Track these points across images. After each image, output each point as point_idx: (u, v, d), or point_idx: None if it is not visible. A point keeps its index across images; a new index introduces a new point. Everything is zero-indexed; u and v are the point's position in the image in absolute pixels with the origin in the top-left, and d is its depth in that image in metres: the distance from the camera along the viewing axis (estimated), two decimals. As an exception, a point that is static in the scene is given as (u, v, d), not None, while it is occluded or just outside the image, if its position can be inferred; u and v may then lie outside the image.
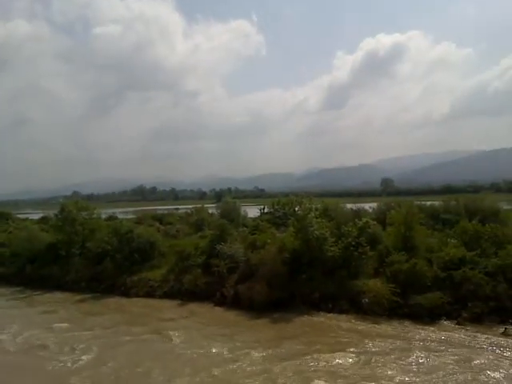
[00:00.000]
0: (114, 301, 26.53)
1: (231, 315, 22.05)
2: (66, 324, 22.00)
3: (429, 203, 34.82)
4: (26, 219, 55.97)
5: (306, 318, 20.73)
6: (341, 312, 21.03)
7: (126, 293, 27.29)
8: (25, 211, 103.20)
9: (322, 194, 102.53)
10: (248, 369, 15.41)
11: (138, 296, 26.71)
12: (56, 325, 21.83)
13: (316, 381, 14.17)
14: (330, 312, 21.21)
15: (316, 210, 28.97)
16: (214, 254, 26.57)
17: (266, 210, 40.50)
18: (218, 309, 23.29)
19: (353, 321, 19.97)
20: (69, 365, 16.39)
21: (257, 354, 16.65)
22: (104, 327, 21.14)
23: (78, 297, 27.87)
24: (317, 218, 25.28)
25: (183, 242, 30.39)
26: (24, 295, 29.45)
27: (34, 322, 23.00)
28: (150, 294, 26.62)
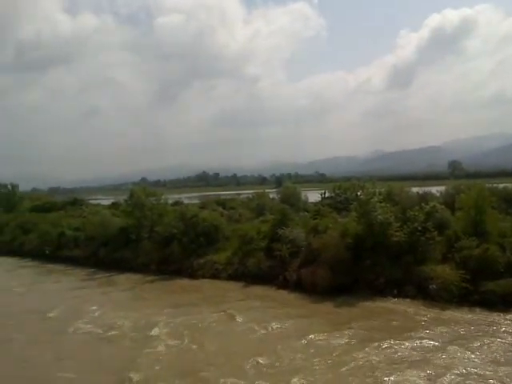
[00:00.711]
0: (182, 282, 27.75)
1: (295, 298, 22.34)
2: (143, 304, 23.31)
3: (501, 186, 32.81)
4: (99, 205, 59.37)
5: (371, 303, 20.52)
6: (407, 297, 20.61)
7: (193, 275, 28.45)
8: (97, 197, 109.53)
9: (386, 178, 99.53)
10: (320, 351, 15.55)
11: (204, 278, 27.78)
12: (131, 304, 23.29)
13: (407, 370, 13.66)
14: (395, 297, 20.87)
15: (379, 194, 28.38)
16: (275, 238, 26.86)
17: (327, 195, 40.14)
18: (281, 292, 23.66)
19: (421, 307, 19.49)
20: (160, 349, 16.84)
21: (325, 336, 16.80)
22: (177, 307, 22.04)
23: (149, 278, 29.41)
24: (380, 202, 24.77)
25: (246, 227, 31.00)
26: (98, 276, 31.51)
27: (109, 300, 24.60)
28: (215, 276, 27.59)
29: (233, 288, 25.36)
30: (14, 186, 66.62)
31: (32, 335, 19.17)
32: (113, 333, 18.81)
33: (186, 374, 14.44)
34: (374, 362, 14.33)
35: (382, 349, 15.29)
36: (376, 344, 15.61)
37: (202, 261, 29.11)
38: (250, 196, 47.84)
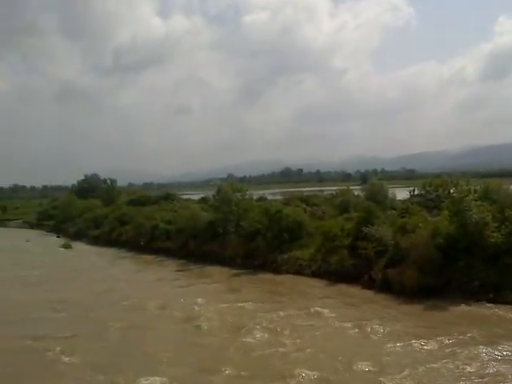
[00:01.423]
0: (267, 277, 28.24)
1: (381, 299, 21.72)
2: (232, 297, 24.03)
3: None
4: (188, 199, 62.26)
5: (464, 308, 19.38)
6: (505, 303, 19.18)
7: (277, 270, 28.87)
8: (186, 192, 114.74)
9: (480, 175, 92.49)
10: (421, 356, 14.93)
11: (288, 273, 28.07)
12: (222, 296, 24.27)
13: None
14: (491, 302, 19.51)
15: (475, 191, 26.61)
16: (360, 236, 26.30)
17: (416, 192, 38.41)
18: (366, 291, 23.18)
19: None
20: (252, 343, 16.87)
21: (415, 339, 16.18)
22: (265, 301, 22.47)
23: (235, 271, 30.37)
24: (476, 200, 23.23)
25: (329, 223, 30.77)
26: (189, 267, 33.14)
27: (201, 291, 25.78)
28: (299, 272, 27.73)
29: (317, 285, 25.33)
30: (113, 181, 72.33)
31: (134, 321, 20.66)
32: (205, 323, 19.40)
33: (287, 375, 13.96)
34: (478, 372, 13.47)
35: (481, 357, 14.40)
36: (475, 352, 14.70)
37: (285, 256, 29.45)
38: (334, 193, 47.35)
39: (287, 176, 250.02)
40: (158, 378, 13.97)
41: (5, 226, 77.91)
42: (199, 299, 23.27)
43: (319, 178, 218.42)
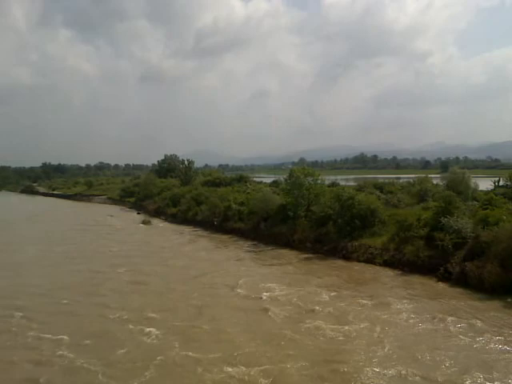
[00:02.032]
0: (336, 263, 27.96)
1: (457, 293, 20.65)
2: (302, 280, 24.15)
3: None
4: (261, 182, 63.04)
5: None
6: None
7: (347, 257, 28.53)
8: (259, 175, 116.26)
9: None
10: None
11: (358, 261, 27.59)
12: (291, 279, 24.49)
13: None
14: None
15: None
16: (437, 227, 25.19)
17: (501, 183, 35.87)
18: (441, 284, 22.20)
19: None
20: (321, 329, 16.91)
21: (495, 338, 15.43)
22: (334, 288, 22.19)
23: (304, 255, 30.46)
24: None
25: (404, 212, 29.78)
26: (260, 249, 33.71)
27: (271, 273, 26.28)
28: (369, 261, 27.20)
29: (388, 274, 24.70)
30: (190, 162, 74.79)
31: (208, 297, 21.67)
32: (273, 305, 19.67)
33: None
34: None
35: None
36: None
37: (356, 243, 28.98)
38: (411, 180, 45.59)
39: (361, 162, 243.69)
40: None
41: (90, 201, 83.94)
42: (269, 281, 23.78)
43: (395, 164, 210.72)
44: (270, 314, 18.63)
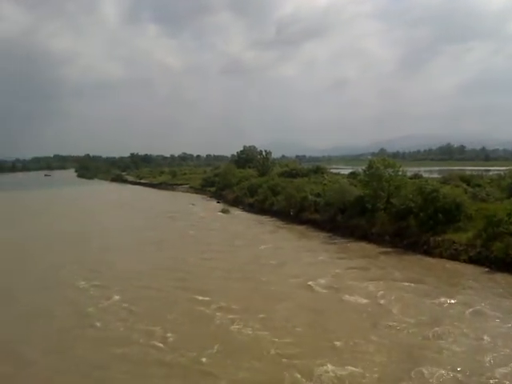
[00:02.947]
0: (416, 258, 27.02)
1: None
2: (379, 275, 23.77)
3: None
4: (338, 173, 62.24)
5: None
6: None
7: (429, 252, 27.39)
8: (336, 166, 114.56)
9: None
10: None
11: (440, 257, 26.39)
12: (367, 274, 24.23)
13: None
14: None
15: None
16: (532, 223, 23.38)
17: None
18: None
19: None
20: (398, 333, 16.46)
21: None
22: (413, 284, 21.48)
23: (383, 249, 29.71)
24: None
25: (494, 207, 27.93)
26: (336, 241, 33.46)
27: (347, 266, 26.00)
28: (453, 257, 25.90)
29: (474, 272, 23.39)
30: (268, 153, 75.66)
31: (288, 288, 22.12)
32: (346, 299, 19.60)
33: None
34: None
35: None
36: None
37: (439, 239, 27.66)
38: (502, 173, 42.52)
39: (447, 153, 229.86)
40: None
41: (173, 190, 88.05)
42: (344, 273, 23.69)
43: (484, 156, 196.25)
44: (343, 304, 18.58)
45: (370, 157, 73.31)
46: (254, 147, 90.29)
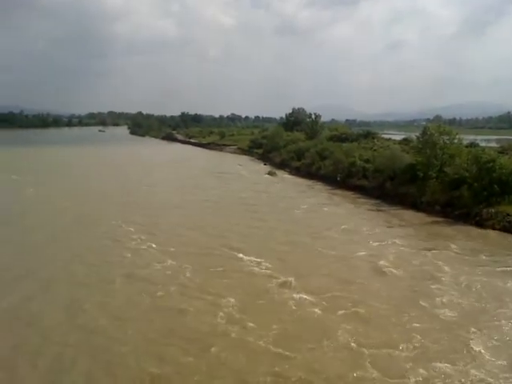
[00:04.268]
0: (466, 229, 26.26)
1: None
2: (429, 244, 23.23)
3: None
4: (389, 139, 60.36)
5: None
6: None
7: (480, 223, 26.52)
8: (388, 132, 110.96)
9: None
10: None
11: (493, 229, 25.59)
12: (416, 242, 23.94)
13: None
14: None
15: None
16: None
17: None
18: None
19: None
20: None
21: None
22: (467, 257, 20.95)
23: (432, 219, 29.08)
24: None
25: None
26: (383, 208, 32.94)
27: (393, 234, 25.72)
28: (507, 229, 25.08)
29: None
30: (317, 116, 74.34)
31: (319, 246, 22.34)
32: (391, 268, 19.32)
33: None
34: None
35: None
36: None
37: (492, 210, 26.68)
38: None
39: (508, 122, 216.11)
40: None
41: (221, 151, 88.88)
42: (389, 241, 23.44)
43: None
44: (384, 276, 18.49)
45: (424, 123, 70.23)
46: (303, 110, 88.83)
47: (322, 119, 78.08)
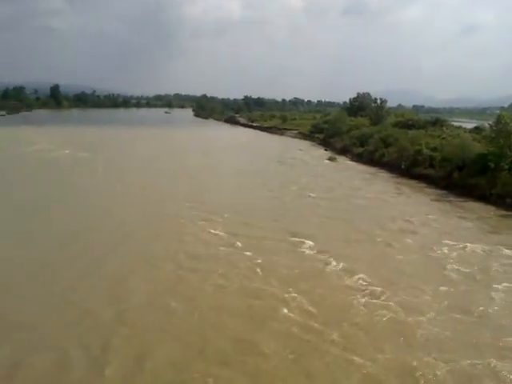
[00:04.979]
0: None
1: None
2: (492, 239, 22.32)
3: None
4: (459, 127, 57.38)
5: None
6: None
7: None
8: (458, 119, 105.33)
9: None
10: None
11: None
12: (480, 236, 23.00)
13: None
14: None
15: None
16: None
17: None
18: None
19: None
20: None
21: None
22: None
23: (502, 212, 27.76)
24: None
25: None
26: (450, 199, 31.73)
27: (459, 227, 24.79)
28: None
29: None
30: (383, 101, 72.04)
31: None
32: (454, 265, 18.60)
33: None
34: None
35: None
36: None
37: None
38: None
39: None
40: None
41: (282, 135, 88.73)
42: (452, 237, 22.53)
43: None
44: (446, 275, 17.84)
45: (498, 111, 65.77)
46: (369, 94, 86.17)
47: (388, 104, 75.54)
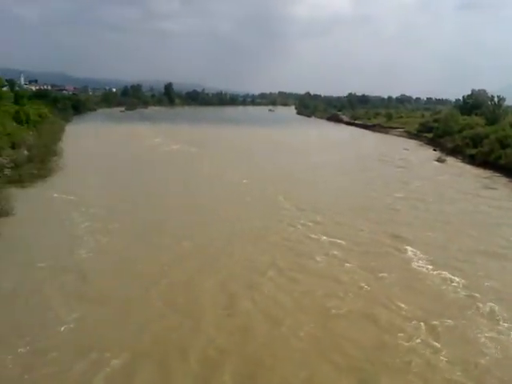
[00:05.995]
0: None
1: None
2: None
3: None
4: None
5: None
6: None
7: None
8: None
9: None
10: None
11: None
12: None
13: None
14: None
15: None
16: None
17: None
18: None
19: None
20: None
21: None
22: None
23: None
24: None
25: None
26: None
27: None
28: None
29: None
30: (500, 99, 66.67)
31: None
32: None
33: None
34: None
35: None
36: None
37: None
38: None
39: None
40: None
41: (386, 133, 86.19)
42: None
43: None
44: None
45: None
46: (485, 92, 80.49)
47: (507, 103, 69.76)
